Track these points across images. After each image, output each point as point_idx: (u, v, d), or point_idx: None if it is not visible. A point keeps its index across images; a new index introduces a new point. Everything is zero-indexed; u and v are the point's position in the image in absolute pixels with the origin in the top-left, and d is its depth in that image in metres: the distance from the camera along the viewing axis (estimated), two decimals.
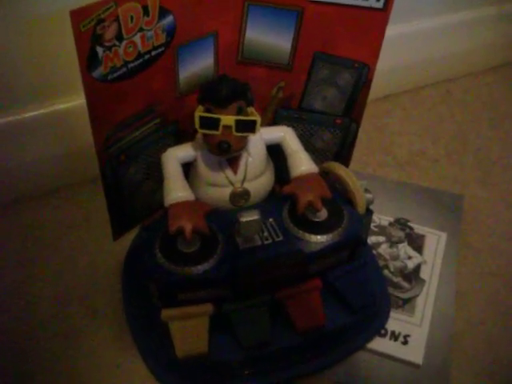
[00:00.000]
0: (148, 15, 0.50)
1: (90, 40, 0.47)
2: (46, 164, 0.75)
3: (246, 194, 0.58)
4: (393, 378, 0.58)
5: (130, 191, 0.60)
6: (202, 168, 0.58)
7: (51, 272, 0.68)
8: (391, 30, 0.59)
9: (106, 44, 0.48)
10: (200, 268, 0.53)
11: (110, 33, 0.48)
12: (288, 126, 0.63)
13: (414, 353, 0.59)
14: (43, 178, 0.76)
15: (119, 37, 0.49)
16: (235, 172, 0.58)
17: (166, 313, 0.54)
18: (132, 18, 0.49)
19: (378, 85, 0.64)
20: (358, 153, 0.69)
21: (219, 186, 0.58)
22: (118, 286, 0.65)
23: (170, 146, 0.60)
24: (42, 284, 0.66)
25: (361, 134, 0.66)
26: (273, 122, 0.65)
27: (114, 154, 0.56)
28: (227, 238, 0.56)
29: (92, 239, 0.71)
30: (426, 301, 0.64)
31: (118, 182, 0.58)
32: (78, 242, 0.71)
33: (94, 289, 0.66)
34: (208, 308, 0.54)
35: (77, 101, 0.70)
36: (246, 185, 0.58)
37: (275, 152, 0.61)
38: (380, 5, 0.56)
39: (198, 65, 0.59)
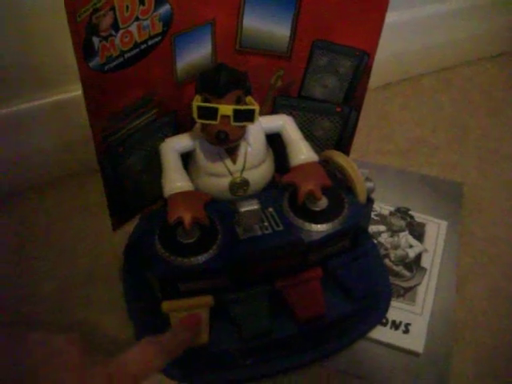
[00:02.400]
0: (144, 4, 0.50)
1: (86, 30, 0.46)
2: (44, 155, 0.74)
3: (245, 183, 0.58)
4: (394, 367, 0.58)
5: (128, 182, 0.60)
6: (201, 158, 0.57)
7: (50, 263, 0.68)
8: (391, 18, 0.58)
9: (102, 34, 0.48)
10: (200, 258, 0.53)
11: (105, 22, 0.47)
12: (287, 114, 0.62)
13: (415, 341, 0.59)
14: (42, 169, 0.76)
15: (115, 26, 0.48)
16: (234, 161, 0.57)
17: (166, 304, 0.54)
18: (128, 7, 0.48)
19: (378, 73, 0.64)
20: (358, 141, 0.68)
21: (218, 176, 0.57)
22: (117, 277, 0.65)
23: (168, 136, 0.59)
24: (40, 275, 0.66)
25: (361, 123, 0.66)
26: (272, 110, 0.65)
27: (112, 144, 0.56)
28: (227, 227, 0.55)
29: (92, 230, 0.71)
30: (427, 289, 0.64)
31: (116, 173, 0.58)
32: (78, 233, 0.71)
33: (94, 280, 0.66)
34: (208, 300, 0.54)
35: (75, 92, 0.69)
36: (246, 174, 0.58)
37: (275, 141, 0.61)
38: None
39: (196, 54, 0.58)
